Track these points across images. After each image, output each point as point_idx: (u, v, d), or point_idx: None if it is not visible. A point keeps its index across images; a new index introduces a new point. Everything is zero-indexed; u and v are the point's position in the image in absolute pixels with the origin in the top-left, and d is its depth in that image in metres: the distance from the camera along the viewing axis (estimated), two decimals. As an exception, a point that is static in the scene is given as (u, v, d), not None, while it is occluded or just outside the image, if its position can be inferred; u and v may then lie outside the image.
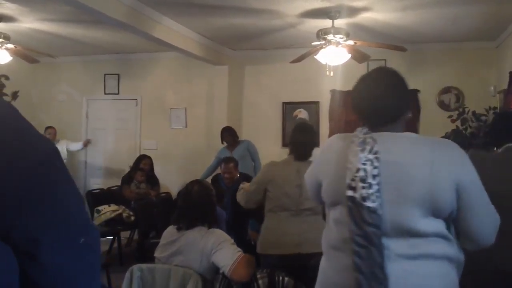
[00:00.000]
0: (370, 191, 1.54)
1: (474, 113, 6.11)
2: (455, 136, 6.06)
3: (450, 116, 6.36)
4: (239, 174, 5.36)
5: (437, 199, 1.55)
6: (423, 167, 1.56)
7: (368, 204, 1.53)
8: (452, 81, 6.73)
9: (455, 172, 1.57)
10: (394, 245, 1.55)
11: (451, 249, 1.61)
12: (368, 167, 1.56)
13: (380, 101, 1.69)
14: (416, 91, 6.65)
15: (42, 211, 0.75)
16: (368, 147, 1.59)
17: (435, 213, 1.56)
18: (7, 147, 0.75)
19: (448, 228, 1.61)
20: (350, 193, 1.57)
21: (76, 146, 7.76)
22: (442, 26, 5.77)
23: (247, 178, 5.52)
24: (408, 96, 1.78)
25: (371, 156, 1.57)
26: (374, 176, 1.55)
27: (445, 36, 6.26)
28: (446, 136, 6.19)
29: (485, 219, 1.62)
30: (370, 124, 1.70)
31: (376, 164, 1.56)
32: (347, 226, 1.60)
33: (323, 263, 1.79)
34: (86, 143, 7.94)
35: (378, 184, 1.55)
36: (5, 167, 0.73)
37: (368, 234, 1.53)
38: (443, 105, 6.82)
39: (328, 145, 1.84)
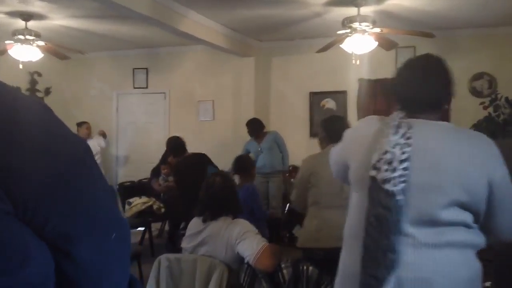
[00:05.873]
0: (393, 174, 1.51)
1: (507, 99, 5.95)
2: (488, 123, 5.92)
3: (482, 103, 6.21)
4: None
5: (468, 191, 1.53)
6: (456, 158, 1.55)
7: (388, 187, 1.50)
8: (484, 67, 6.55)
9: (488, 166, 1.56)
10: (419, 233, 1.53)
11: (473, 235, 1.59)
12: (397, 151, 1.52)
13: (424, 88, 1.67)
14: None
15: (74, 207, 0.77)
16: (401, 131, 1.56)
17: (463, 205, 1.54)
18: (41, 145, 0.76)
19: (476, 221, 1.58)
20: (373, 173, 1.55)
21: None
22: (473, 11, 5.62)
23: None
24: (451, 88, 1.74)
25: (402, 141, 1.54)
26: (401, 161, 1.52)
27: (476, 21, 6.10)
28: (479, 123, 6.04)
29: (510, 215, 1.61)
30: (408, 110, 1.66)
31: (406, 149, 1.53)
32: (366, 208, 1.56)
33: (342, 253, 1.77)
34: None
35: (404, 169, 1.51)
36: (39, 165, 0.75)
37: (380, 215, 1.51)
38: (475, 92, 6.64)
39: (360, 126, 1.78)
